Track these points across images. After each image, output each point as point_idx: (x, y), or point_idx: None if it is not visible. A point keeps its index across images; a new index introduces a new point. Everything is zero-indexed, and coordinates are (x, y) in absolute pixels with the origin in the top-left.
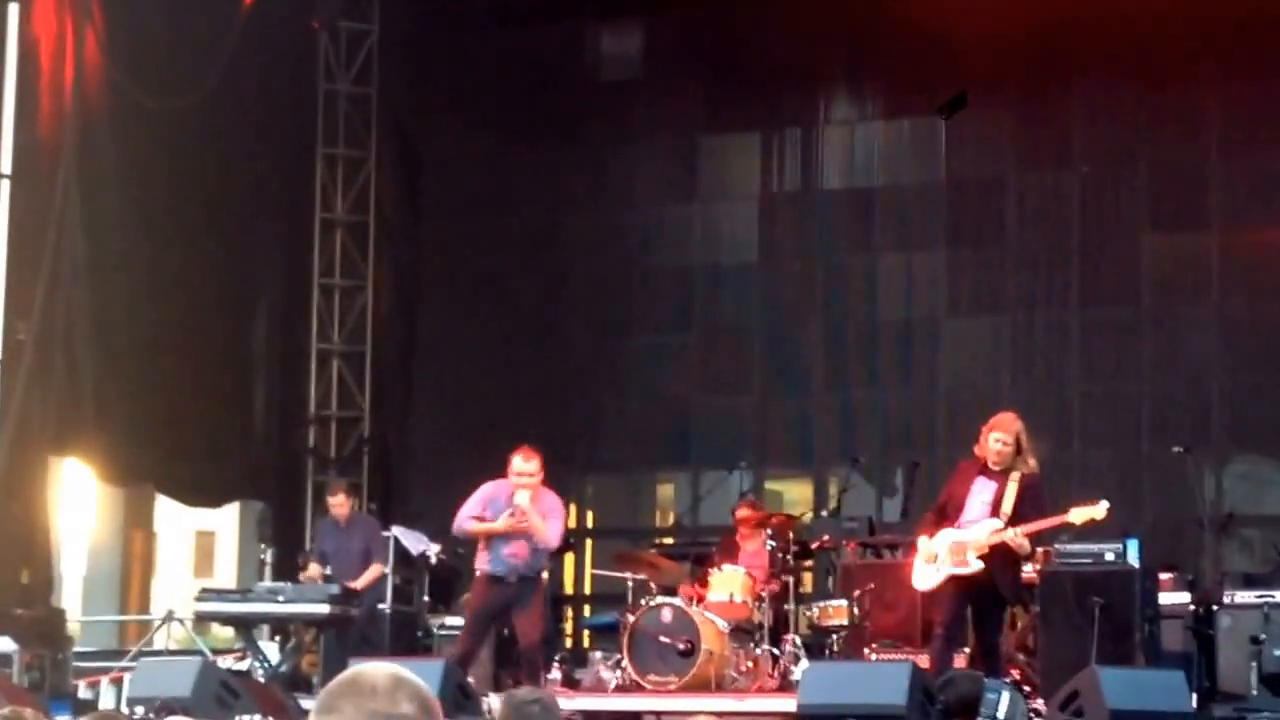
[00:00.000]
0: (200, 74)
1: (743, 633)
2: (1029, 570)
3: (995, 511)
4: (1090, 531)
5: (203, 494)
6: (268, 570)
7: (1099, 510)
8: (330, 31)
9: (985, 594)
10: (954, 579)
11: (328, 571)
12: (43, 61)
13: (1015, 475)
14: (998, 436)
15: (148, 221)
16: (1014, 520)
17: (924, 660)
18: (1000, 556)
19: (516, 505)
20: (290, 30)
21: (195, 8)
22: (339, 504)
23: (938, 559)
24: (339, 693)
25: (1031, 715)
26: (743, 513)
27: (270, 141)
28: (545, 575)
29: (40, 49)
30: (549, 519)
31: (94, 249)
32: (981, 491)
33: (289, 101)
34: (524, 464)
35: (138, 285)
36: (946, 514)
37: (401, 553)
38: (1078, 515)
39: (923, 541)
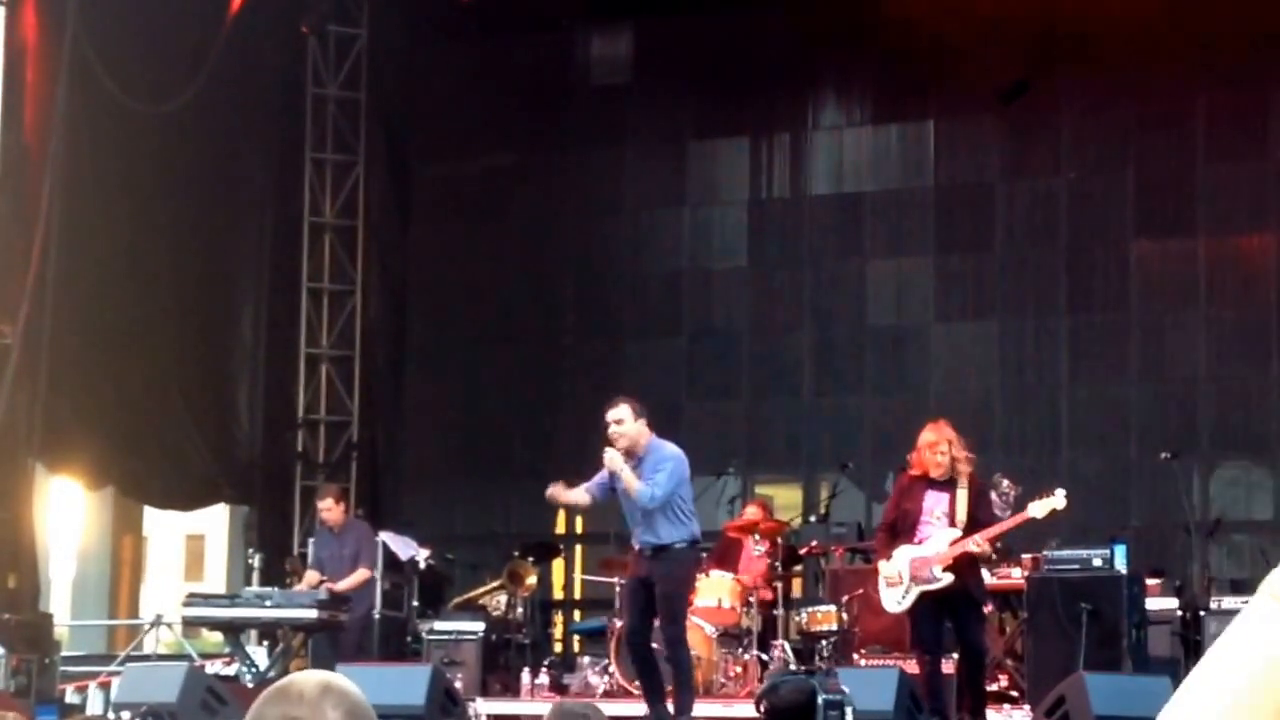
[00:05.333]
0: (187, 78)
1: (731, 638)
2: (1016, 576)
3: (952, 522)
4: (1078, 537)
5: (188, 498)
6: (255, 575)
7: (1058, 500)
8: (319, 36)
9: (958, 600)
10: (925, 596)
11: (324, 578)
12: (29, 66)
13: (961, 482)
14: (940, 449)
15: (134, 226)
16: (970, 526)
17: (912, 666)
18: (965, 564)
19: (607, 465)
20: (278, 35)
21: (182, 12)
22: (328, 509)
23: (902, 578)
24: (268, 701)
25: None
26: (752, 512)
27: (258, 145)
28: (694, 544)
29: (26, 54)
30: (653, 475)
31: (79, 253)
32: (935, 505)
33: (277, 106)
34: (607, 414)
35: (123, 289)
36: (899, 532)
37: (390, 558)
38: (1038, 509)
39: (883, 565)
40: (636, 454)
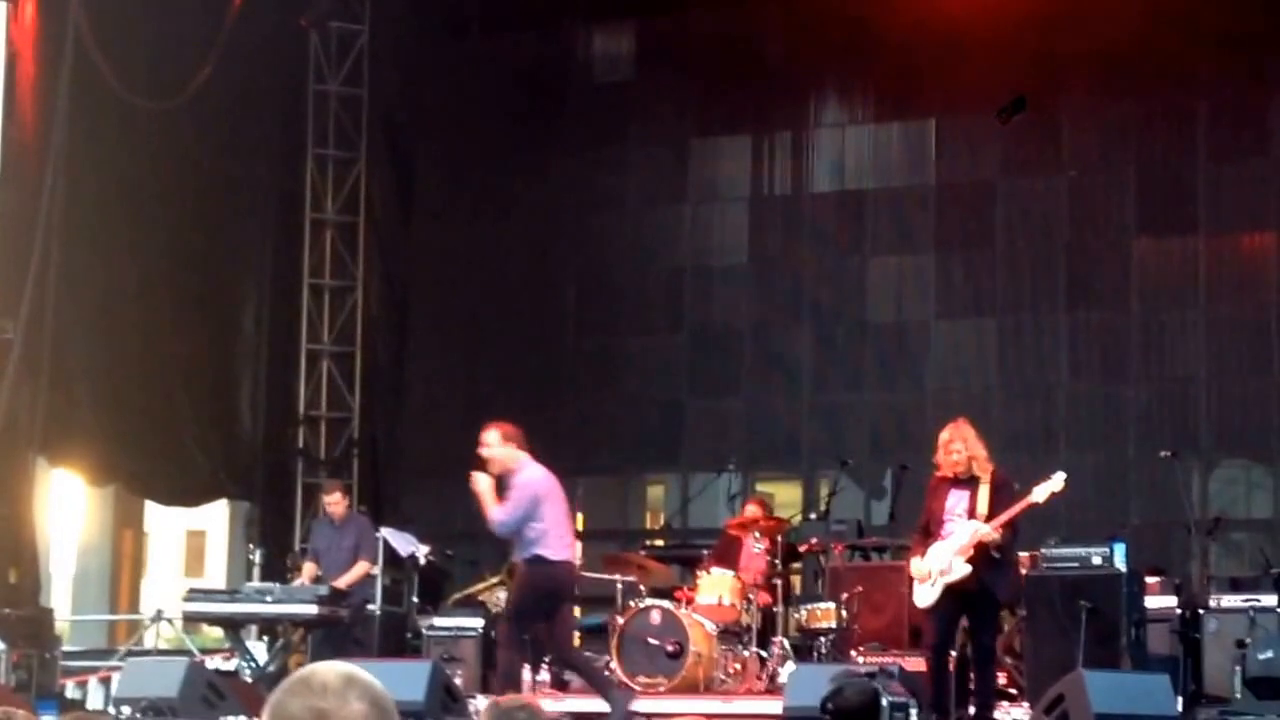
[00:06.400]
0: (189, 74)
1: (731, 635)
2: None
3: (973, 516)
4: (1077, 535)
5: (190, 495)
6: (256, 571)
7: (1056, 483)
8: (320, 32)
9: (978, 598)
10: (947, 590)
11: (320, 569)
12: (30, 62)
13: (983, 479)
14: (954, 446)
15: (135, 222)
16: (990, 520)
17: (911, 662)
18: (985, 557)
19: (472, 487)
20: (280, 31)
21: (184, 8)
22: (335, 503)
23: (931, 575)
24: (290, 691)
25: None
26: (752, 510)
27: (260, 142)
28: (540, 562)
29: (28, 49)
30: (504, 500)
31: (81, 249)
32: (957, 503)
33: (279, 102)
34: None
35: (125, 285)
36: (930, 532)
37: (391, 554)
38: (1040, 493)
39: (914, 563)
40: (507, 477)
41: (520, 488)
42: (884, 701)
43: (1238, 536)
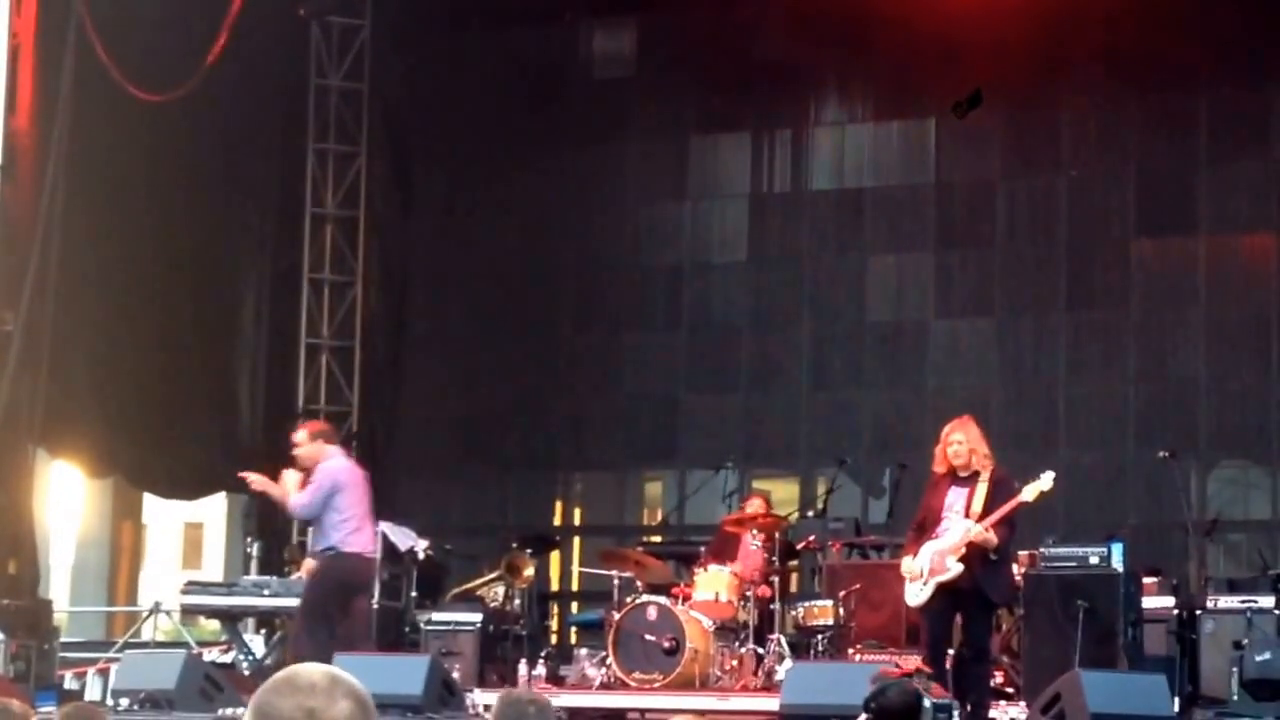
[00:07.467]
0: (190, 68)
1: (728, 632)
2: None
3: (968, 516)
4: (1075, 535)
5: (189, 487)
6: (253, 564)
7: (1045, 482)
8: (322, 26)
9: (971, 598)
10: (940, 589)
11: None
12: (31, 54)
13: (984, 476)
14: (955, 438)
15: (136, 214)
16: (983, 519)
17: (908, 661)
18: (979, 556)
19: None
20: (281, 25)
21: (186, 2)
22: None
23: (923, 574)
24: (276, 691)
25: None
26: (755, 505)
27: (261, 136)
28: (334, 554)
29: (29, 42)
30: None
31: (82, 242)
32: (955, 501)
33: (280, 96)
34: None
35: (126, 278)
36: (925, 529)
37: (389, 549)
38: (1028, 492)
39: (907, 561)
40: (314, 470)
41: (319, 473)
42: (926, 703)
43: (1235, 537)
